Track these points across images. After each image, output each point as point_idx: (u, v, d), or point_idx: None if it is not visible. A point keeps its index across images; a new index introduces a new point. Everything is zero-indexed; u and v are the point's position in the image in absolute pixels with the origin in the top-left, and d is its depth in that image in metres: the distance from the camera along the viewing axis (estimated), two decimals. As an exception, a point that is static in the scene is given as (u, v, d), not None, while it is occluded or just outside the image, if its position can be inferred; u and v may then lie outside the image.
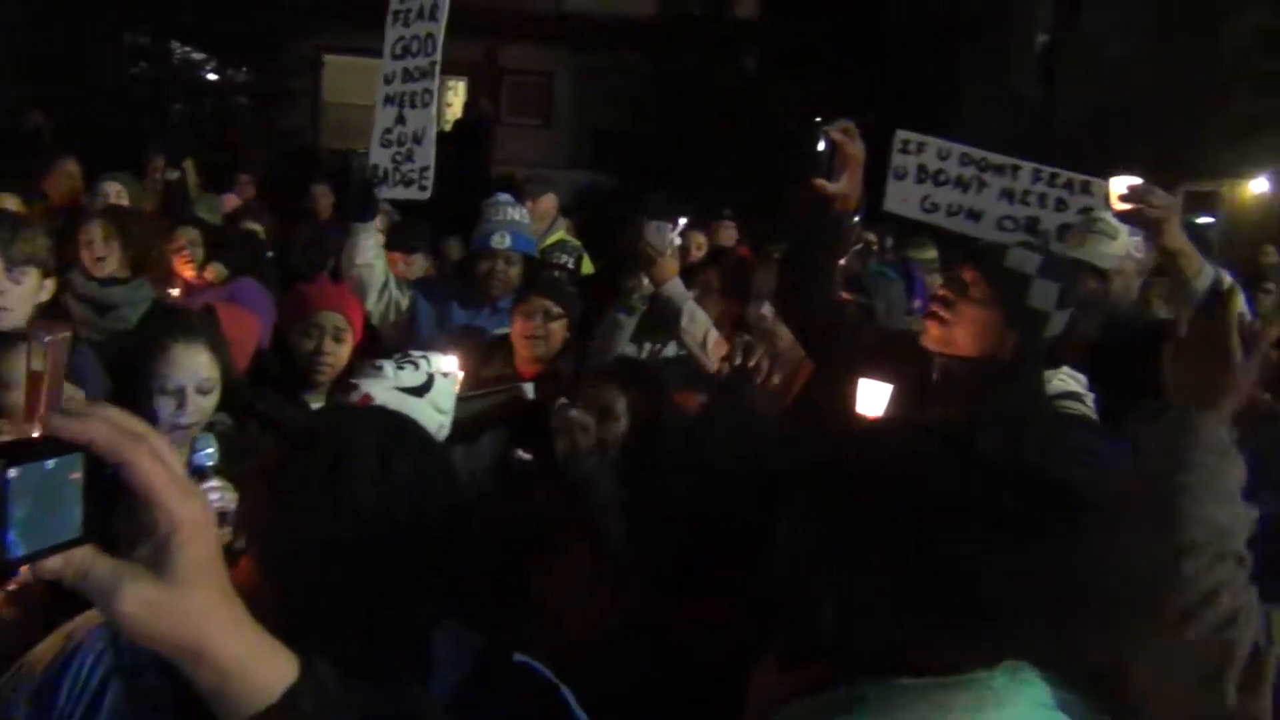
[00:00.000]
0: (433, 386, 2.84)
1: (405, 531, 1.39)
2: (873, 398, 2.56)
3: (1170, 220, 2.83)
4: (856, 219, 2.92)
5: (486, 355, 4.17)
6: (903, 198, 4.25)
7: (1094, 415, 2.75)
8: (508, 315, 4.31)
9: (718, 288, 4.68)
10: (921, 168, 4.18)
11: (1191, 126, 18.70)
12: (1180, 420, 1.59)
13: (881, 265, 5.88)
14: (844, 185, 2.76)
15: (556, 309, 4.07)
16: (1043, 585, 1.18)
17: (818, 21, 20.49)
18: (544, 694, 1.53)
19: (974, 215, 4.08)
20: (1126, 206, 2.88)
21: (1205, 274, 2.81)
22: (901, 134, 4.32)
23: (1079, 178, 3.92)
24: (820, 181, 2.73)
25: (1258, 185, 20.20)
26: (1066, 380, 2.76)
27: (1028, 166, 3.95)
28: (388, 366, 2.84)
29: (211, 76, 18.14)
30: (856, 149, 2.74)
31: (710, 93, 18.75)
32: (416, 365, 2.87)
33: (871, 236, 7.79)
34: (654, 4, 20.71)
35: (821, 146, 2.70)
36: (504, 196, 5.04)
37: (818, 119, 2.80)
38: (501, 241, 4.69)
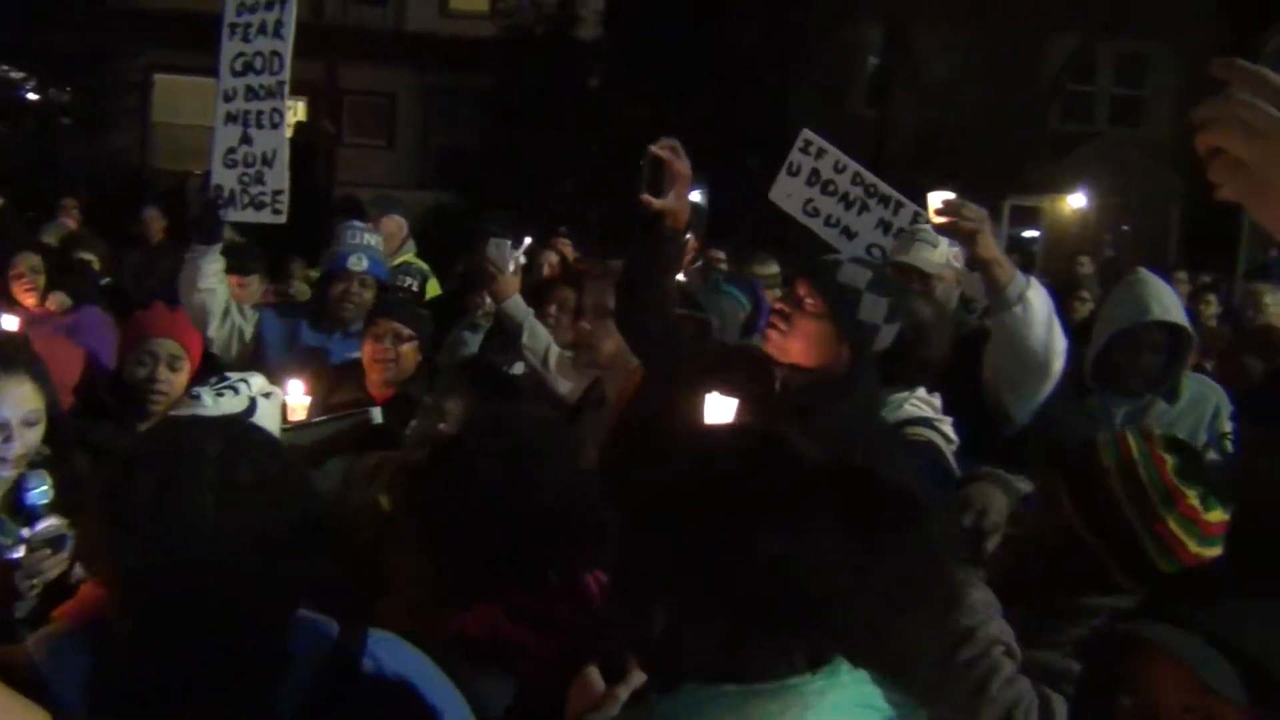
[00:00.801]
0: (255, 410, 2.78)
1: (251, 537, 1.40)
2: (719, 411, 2.62)
3: (982, 231, 3.00)
4: (689, 235, 3.00)
5: (338, 380, 4.10)
6: (789, 193, 4.30)
7: (947, 441, 2.82)
8: (360, 339, 4.26)
9: (573, 307, 4.72)
10: (815, 172, 4.25)
11: (1014, 145, 19.69)
12: None
13: (722, 281, 6.01)
14: (672, 202, 2.82)
15: (407, 331, 4.04)
16: (866, 585, 1.20)
17: (659, 43, 20.82)
18: (402, 669, 1.57)
19: (849, 233, 4.19)
20: (943, 219, 3.04)
21: (1017, 281, 2.99)
22: (806, 134, 4.37)
23: (917, 237, 4.09)
24: (646, 198, 2.79)
25: (1075, 200, 21.43)
26: (919, 405, 2.83)
27: (910, 207, 4.06)
28: (205, 394, 2.75)
29: (32, 96, 17.28)
30: (682, 166, 2.81)
31: (554, 112, 18.82)
32: (236, 390, 2.80)
33: (720, 254, 7.97)
34: (496, 24, 20.70)
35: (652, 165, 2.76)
36: (358, 221, 4.97)
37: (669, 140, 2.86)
38: (359, 264, 4.62)
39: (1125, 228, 19.22)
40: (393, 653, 1.59)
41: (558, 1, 20.34)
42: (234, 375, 2.91)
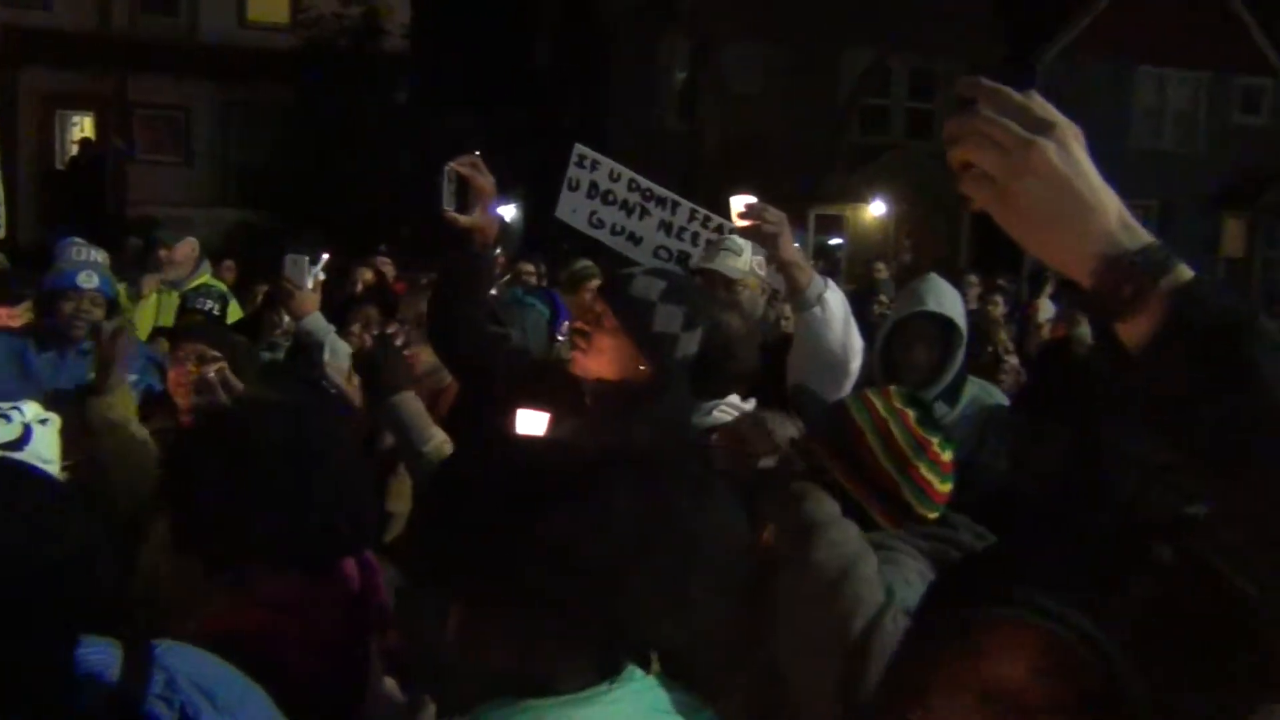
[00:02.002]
0: (31, 438, 2.60)
1: (25, 571, 1.34)
2: (530, 425, 2.60)
3: (782, 234, 3.06)
4: (498, 250, 2.96)
5: (145, 410, 3.88)
6: (573, 209, 4.36)
7: None
8: (93, 357, 4.05)
9: (378, 323, 4.62)
10: (594, 184, 4.31)
11: (817, 156, 20.44)
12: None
13: (524, 293, 5.99)
14: (479, 218, 2.80)
15: (213, 352, 3.85)
16: (647, 568, 1.20)
17: (467, 56, 20.69)
18: (195, 674, 1.50)
19: (635, 239, 4.26)
20: (744, 223, 3.09)
21: (816, 283, 3.06)
22: (579, 149, 4.43)
23: (728, 224, 4.20)
24: (451, 215, 2.76)
25: (875, 208, 22.41)
26: (729, 411, 2.86)
27: (686, 205, 4.16)
28: (-29, 425, 2.57)
29: None
30: (485, 182, 2.79)
31: (360, 126, 18.45)
32: (8, 418, 2.61)
33: (529, 267, 7.95)
34: (296, 35, 20.12)
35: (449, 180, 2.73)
36: (79, 239, 4.80)
37: (477, 154, 2.82)
38: (89, 281, 4.45)
39: (908, 240, 20.17)
40: (183, 659, 1.51)
41: (360, 13, 19.94)
42: (4, 404, 2.70)
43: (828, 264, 23.22)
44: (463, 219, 2.77)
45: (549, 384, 2.76)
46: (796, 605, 1.89)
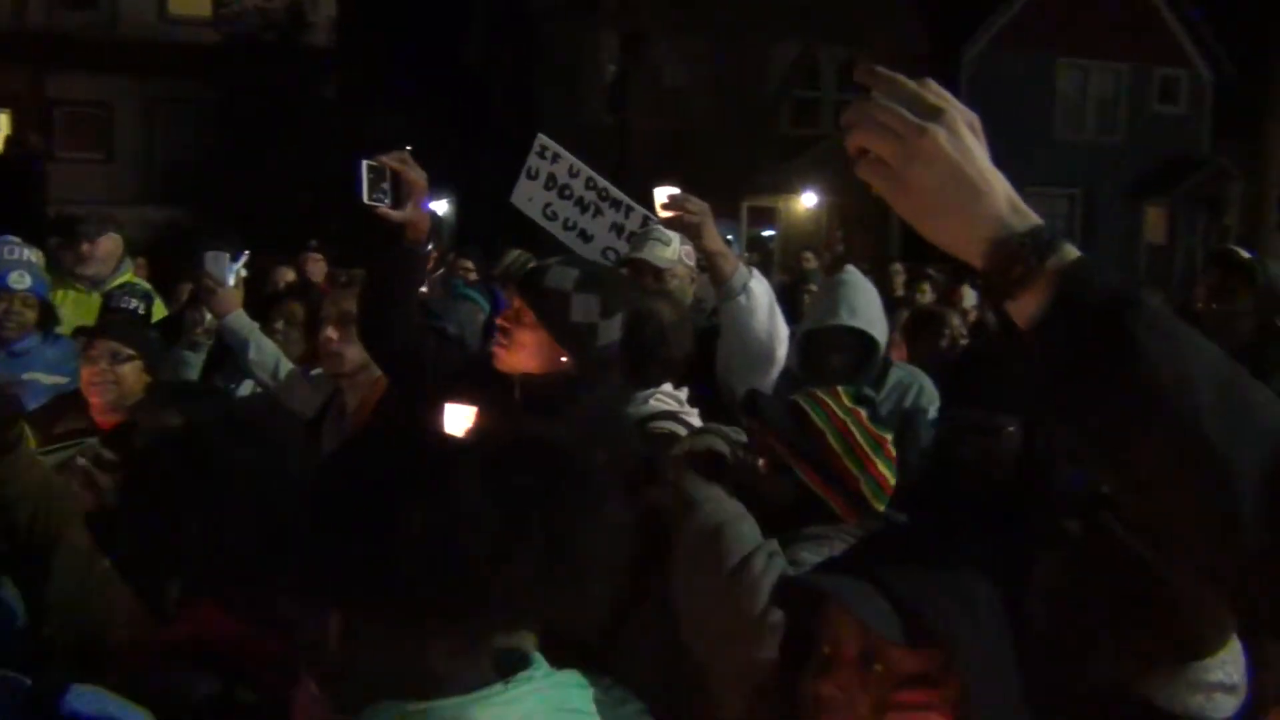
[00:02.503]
0: None
1: None
2: (457, 420, 2.59)
3: (705, 224, 3.09)
4: (430, 246, 2.94)
5: (56, 411, 3.79)
6: (529, 197, 4.33)
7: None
8: (25, 359, 3.98)
9: (302, 320, 4.56)
10: (552, 176, 4.28)
11: (748, 149, 20.57)
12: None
13: (464, 286, 5.96)
14: (410, 213, 2.77)
15: (126, 350, 3.76)
16: (521, 557, 1.18)
17: (396, 49, 20.49)
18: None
19: (586, 237, 4.27)
20: (669, 214, 3.11)
21: (740, 273, 3.09)
22: (541, 139, 4.40)
23: (650, 234, 4.22)
24: (383, 211, 2.73)
25: (807, 199, 22.60)
26: (663, 400, 2.85)
27: (640, 211, 4.16)
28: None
29: None
30: (416, 176, 2.76)
31: (287, 121, 18.18)
32: None
33: (468, 263, 7.90)
34: (220, 30, 19.75)
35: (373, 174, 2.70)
36: (13, 237, 4.65)
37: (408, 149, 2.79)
38: (21, 281, 4.32)
39: (839, 231, 20.36)
40: (93, 705, 1.48)
41: (285, 7, 19.63)
42: None
43: (761, 255, 23.43)
44: (394, 214, 2.74)
45: (479, 379, 2.75)
46: (683, 562, 1.96)
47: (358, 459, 1.26)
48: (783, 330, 3.17)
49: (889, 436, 2.22)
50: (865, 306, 3.62)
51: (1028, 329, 1.07)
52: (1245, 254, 3.31)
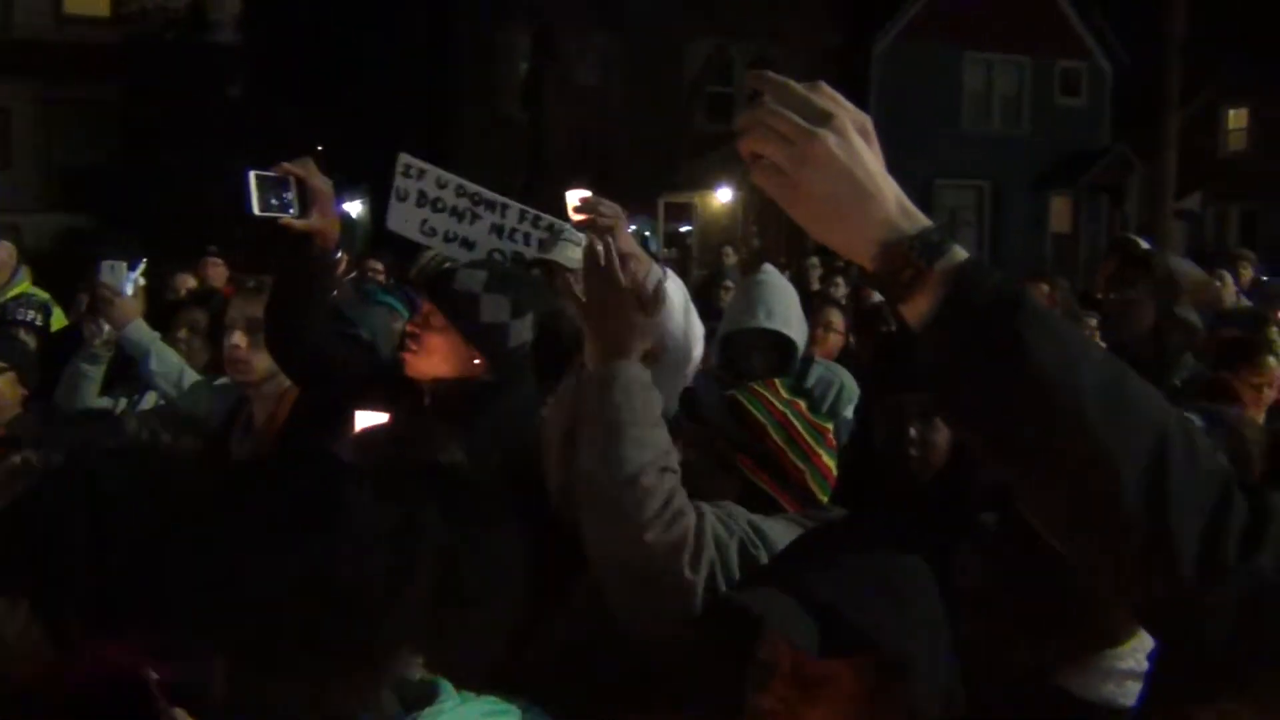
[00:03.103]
0: None
1: None
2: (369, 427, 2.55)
3: (619, 227, 3.07)
4: (340, 253, 2.89)
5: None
6: (404, 219, 4.31)
7: None
8: None
9: (205, 328, 4.45)
10: (422, 193, 4.26)
11: (664, 145, 20.61)
12: (602, 374, 1.87)
13: (382, 291, 5.85)
14: (316, 221, 2.72)
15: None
16: (411, 598, 1.15)
17: (305, 47, 20.14)
18: None
19: (468, 244, 4.25)
20: (581, 217, 3.09)
21: (654, 274, 3.08)
22: (404, 158, 4.37)
23: (558, 222, 4.22)
24: (287, 220, 2.67)
25: (723, 195, 22.74)
26: None
27: (515, 206, 4.16)
28: None
29: None
30: (320, 183, 2.71)
31: (193, 122, 17.76)
32: None
33: (378, 264, 7.79)
34: (120, 29, 19.23)
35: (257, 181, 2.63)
36: None
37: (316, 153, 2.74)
38: None
39: (755, 226, 20.55)
40: None
41: (186, 5, 19.18)
42: None
43: (679, 250, 23.53)
44: (298, 224, 2.69)
45: (391, 386, 2.71)
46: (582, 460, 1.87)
47: (246, 495, 1.20)
48: (698, 330, 3.17)
49: (830, 426, 2.20)
50: (782, 307, 3.65)
51: (919, 329, 1.09)
52: (1142, 244, 3.40)
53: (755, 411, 2.17)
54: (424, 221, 4.26)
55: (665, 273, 3.16)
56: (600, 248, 2.03)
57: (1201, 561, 1.02)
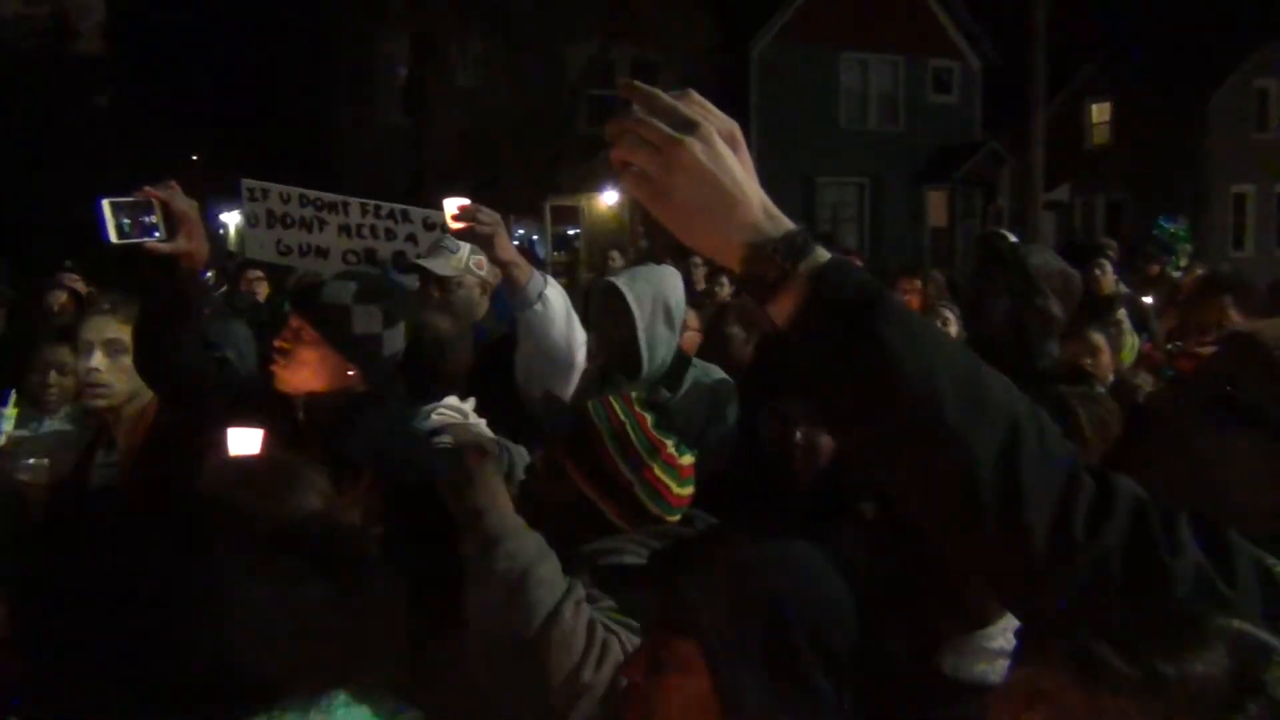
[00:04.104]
0: None
1: None
2: (243, 445, 2.49)
3: (497, 234, 3.06)
4: (209, 274, 2.84)
5: None
6: (260, 244, 4.31)
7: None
8: None
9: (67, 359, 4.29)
10: (270, 213, 4.27)
11: (548, 149, 20.56)
12: (483, 539, 1.88)
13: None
14: (183, 244, 2.65)
15: None
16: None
17: (175, 56, 19.59)
18: None
19: (322, 253, 4.24)
20: (459, 225, 3.07)
21: (535, 281, 3.08)
22: (247, 182, 4.36)
23: (399, 207, 4.24)
24: (153, 245, 2.61)
25: (609, 198, 22.78)
26: (447, 413, 2.80)
27: (355, 202, 4.17)
28: None
29: None
30: (185, 205, 2.66)
31: (56, 134, 17.13)
32: None
33: (258, 271, 7.60)
34: (-25, 40, 18.44)
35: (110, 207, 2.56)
36: None
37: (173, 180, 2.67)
38: None
39: (642, 227, 20.65)
40: None
41: (48, 13, 18.48)
42: None
43: (568, 254, 23.50)
44: (163, 248, 2.63)
45: (262, 403, 2.66)
46: (478, 616, 1.86)
47: (102, 547, 1.16)
48: (580, 335, 3.18)
49: (671, 441, 2.17)
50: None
51: (786, 329, 1.12)
52: (1005, 238, 3.55)
53: (596, 419, 2.17)
54: (279, 241, 4.25)
55: (546, 280, 3.16)
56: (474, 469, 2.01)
57: (1052, 541, 1.07)
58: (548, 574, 1.83)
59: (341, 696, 1.18)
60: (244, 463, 2.23)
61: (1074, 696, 0.87)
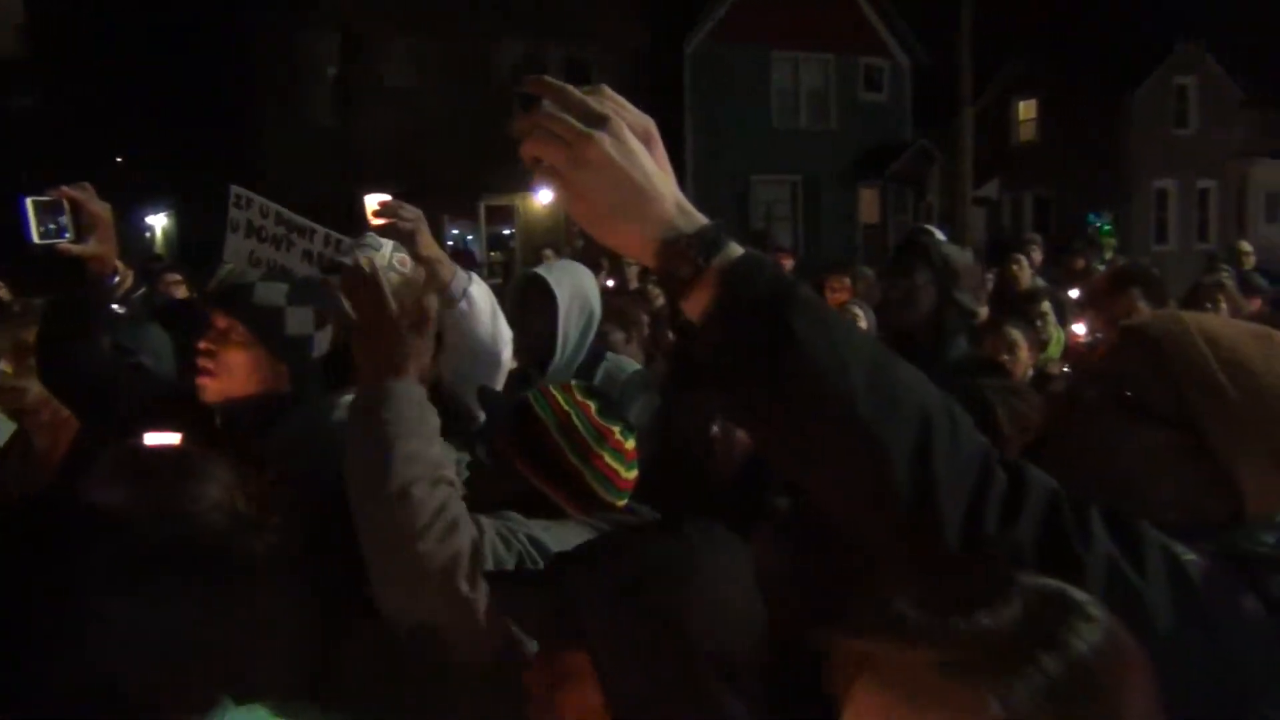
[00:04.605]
0: None
1: None
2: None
3: (419, 231, 3.03)
4: (117, 278, 2.80)
5: None
6: (237, 250, 4.29)
7: None
8: None
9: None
10: (249, 223, 4.26)
11: (481, 148, 20.44)
12: (373, 392, 1.90)
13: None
14: (94, 247, 2.63)
15: None
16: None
17: (98, 55, 19.19)
18: None
19: (285, 274, 4.23)
20: (380, 221, 3.04)
21: (460, 278, 3.06)
22: (235, 190, 4.33)
23: (361, 242, 4.22)
24: (64, 246, 2.57)
25: (543, 197, 22.70)
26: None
27: (321, 231, 4.15)
28: None
29: None
30: (98, 208, 2.62)
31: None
32: None
33: (176, 275, 7.47)
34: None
35: (33, 205, 2.53)
36: None
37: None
38: None
39: (577, 226, 20.63)
40: None
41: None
42: None
43: (504, 253, 23.38)
44: (74, 249, 2.59)
45: (177, 410, 2.61)
46: (349, 467, 1.87)
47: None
48: (506, 333, 3.17)
49: (617, 427, 2.19)
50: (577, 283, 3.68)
51: (700, 325, 1.11)
52: (923, 236, 3.64)
53: (540, 411, 2.18)
54: (251, 252, 4.23)
55: (470, 277, 3.14)
56: (365, 266, 2.02)
57: (965, 534, 1.08)
58: (415, 450, 1.83)
59: (232, 706, 1.16)
60: (142, 453, 2.19)
61: (888, 654, 0.89)
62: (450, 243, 22.18)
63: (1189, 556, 1.18)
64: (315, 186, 13.60)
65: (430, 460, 1.83)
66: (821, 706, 1.62)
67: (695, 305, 1.11)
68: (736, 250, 1.12)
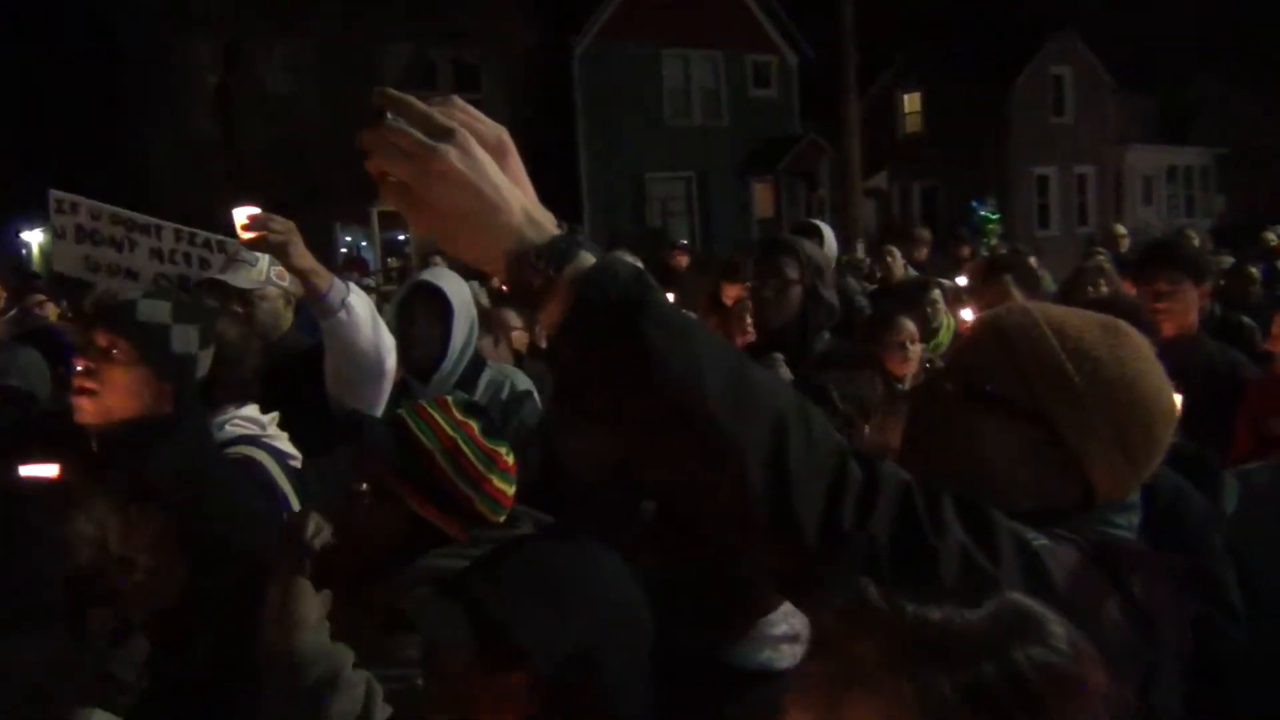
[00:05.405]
0: None
1: None
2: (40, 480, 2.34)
3: (292, 243, 2.97)
4: None
5: None
6: (66, 257, 4.13)
7: (279, 455, 2.67)
8: None
9: None
10: (79, 227, 4.11)
11: (363, 154, 20.09)
12: None
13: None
14: None
15: None
16: None
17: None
18: None
19: (132, 274, 4.11)
20: (251, 235, 2.96)
21: (337, 288, 3.00)
22: (55, 194, 4.17)
23: (215, 237, 4.13)
24: None
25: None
26: (242, 425, 2.67)
27: (169, 227, 4.05)
28: None
29: None
30: None
31: None
32: None
33: (40, 296, 7.21)
34: None
35: None
36: None
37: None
38: None
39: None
40: None
41: None
42: None
43: (400, 259, 23.02)
44: None
45: (49, 434, 2.51)
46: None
47: None
48: (389, 341, 3.12)
49: (503, 448, 2.15)
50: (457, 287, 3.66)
51: (554, 336, 1.10)
52: (824, 229, 3.69)
53: (423, 437, 2.11)
54: (87, 257, 4.09)
55: (349, 287, 3.08)
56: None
57: (822, 531, 1.09)
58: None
59: None
60: (15, 488, 2.11)
61: (844, 642, 0.89)
62: (344, 250, 21.79)
63: (1040, 541, 1.21)
64: (198, 197, 13.24)
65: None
66: (702, 713, 1.63)
67: (549, 316, 1.10)
68: (588, 260, 1.10)
